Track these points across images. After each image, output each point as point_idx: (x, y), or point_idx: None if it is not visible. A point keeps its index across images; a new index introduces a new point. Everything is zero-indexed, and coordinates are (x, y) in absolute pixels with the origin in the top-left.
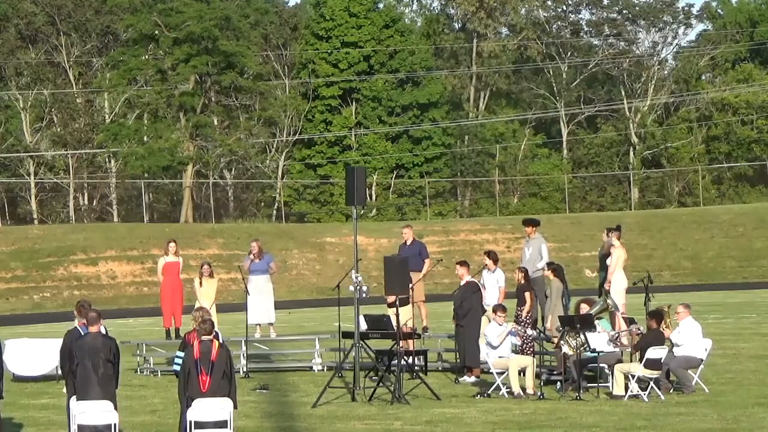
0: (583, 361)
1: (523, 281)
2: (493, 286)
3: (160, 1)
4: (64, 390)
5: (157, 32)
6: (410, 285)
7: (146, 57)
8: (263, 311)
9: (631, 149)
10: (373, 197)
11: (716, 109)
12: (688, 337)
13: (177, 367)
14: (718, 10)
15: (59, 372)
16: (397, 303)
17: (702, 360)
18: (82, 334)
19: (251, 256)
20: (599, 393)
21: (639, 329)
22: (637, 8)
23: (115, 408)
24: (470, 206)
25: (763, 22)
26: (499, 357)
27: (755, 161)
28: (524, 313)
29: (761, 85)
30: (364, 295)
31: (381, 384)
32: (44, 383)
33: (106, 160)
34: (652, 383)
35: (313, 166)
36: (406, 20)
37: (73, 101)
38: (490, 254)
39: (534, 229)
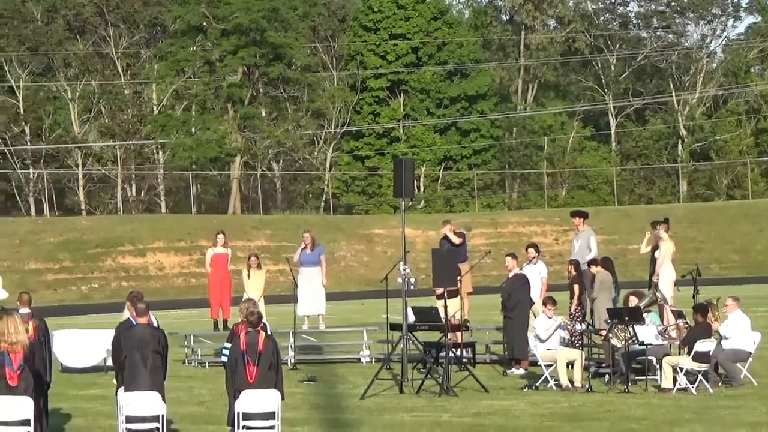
0: (631, 353)
1: (574, 273)
2: (535, 278)
3: None
4: (114, 381)
5: (205, 24)
6: (458, 277)
7: (194, 48)
8: (313, 303)
9: (680, 142)
10: (422, 189)
11: (765, 101)
12: (737, 330)
13: (224, 359)
14: (767, 3)
15: (107, 363)
16: (445, 295)
17: (750, 353)
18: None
19: (306, 248)
20: (647, 386)
21: (686, 323)
22: (685, 0)
23: (163, 399)
24: (518, 198)
25: None
26: (548, 350)
27: None
28: (573, 306)
29: None
30: (411, 287)
31: (429, 376)
32: (92, 374)
33: (154, 151)
34: (700, 376)
35: (361, 157)
36: (454, 12)
37: (121, 92)
38: (534, 246)
39: (582, 220)
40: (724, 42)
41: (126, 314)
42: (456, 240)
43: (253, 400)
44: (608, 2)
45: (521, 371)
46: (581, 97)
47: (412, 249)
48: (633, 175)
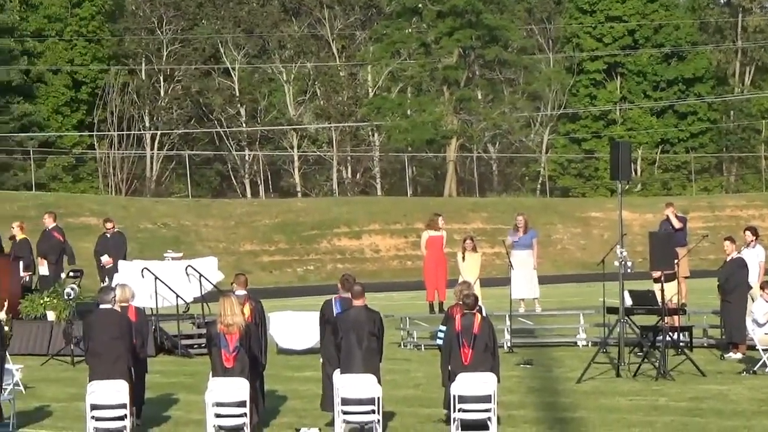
0: None
1: None
2: (754, 261)
3: None
4: (321, 360)
5: (420, 5)
6: (675, 261)
7: (409, 30)
8: (527, 286)
9: None
10: (638, 172)
11: None
12: None
13: (440, 341)
14: None
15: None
16: (662, 278)
17: None
18: (336, 306)
19: (518, 231)
20: None
21: None
22: None
23: (379, 382)
24: (736, 182)
25: None
26: (765, 334)
27: None
28: None
29: None
30: (628, 270)
31: (646, 360)
32: (308, 356)
33: (370, 133)
34: None
35: (577, 140)
36: None
37: (337, 74)
38: (751, 230)
39: None
40: None
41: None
42: (677, 224)
43: (469, 382)
44: None
45: (739, 356)
46: None
47: (629, 232)
48: None
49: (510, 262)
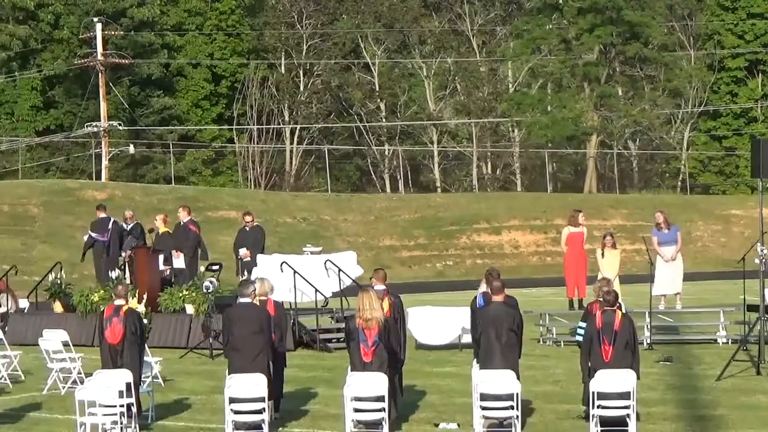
0: None
1: None
2: None
3: None
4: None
5: (561, 2)
6: None
7: (550, 26)
8: (671, 282)
9: None
10: None
11: None
12: None
13: (579, 338)
14: None
15: (461, 340)
16: None
17: None
18: (480, 301)
19: (661, 228)
20: None
21: None
22: None
23: (518, 377)
24: None
25: None
26: None
27: None
28: None
29: None
30: None
31: None
32: (447, 351)
33: (510, 129)
34: None
35: (718, 137)
36: None
37: (476, 70)
38: None
39: None
40: None
41: (483, 287)
42: None
43: (609, 379)
44: None
45: None
46: None
47: None
48: None
49: (650, 259)
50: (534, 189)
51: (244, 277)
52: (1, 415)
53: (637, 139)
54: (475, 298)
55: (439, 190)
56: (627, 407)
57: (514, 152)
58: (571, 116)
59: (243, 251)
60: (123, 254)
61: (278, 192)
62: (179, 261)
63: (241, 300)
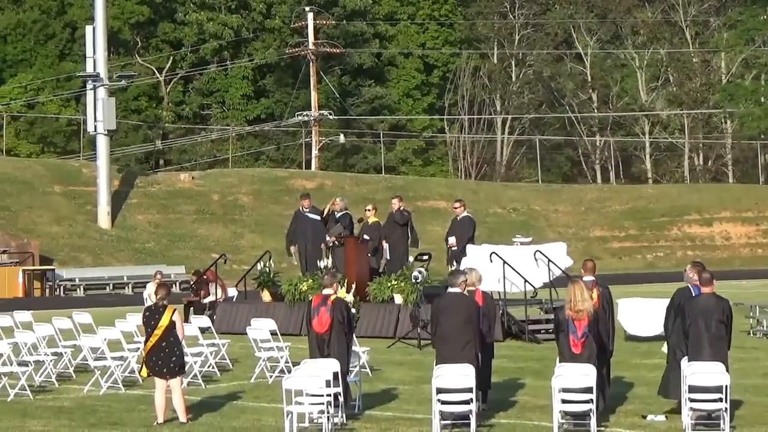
0: None
1: None
2: None
3: None
4: (664, 348)
5: None
6: None
7: (765, 17)
8: None
9: None
10: None
11: None
12: None
13: None
14: None
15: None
16: None
17: None
18: (693, 294)
19: None
20: None
21: None
22: None
23: (727, 370)
24: None
25: None
26: None
27: None
28: None
29: None
30: None
31: None
32: (656, 343)
33: (722, 120)
34: None
35: None
36: None
37: (689, 61)
38: None
39: None
40: None
41: (690, 279)
42: None
43: None
44: None
45: None
46: None
47: None
48: None
49: None
50: (746, 180)
51: (454, 267)
52: (208, 402)
53: None
54: (680, 290)
55: (650, 181)
56: None
57: (726, 143)
58: None
59: (452, 240)
60: (328, 239)
61: (489, 182)
62: (386, 251)
63: (451, 290)
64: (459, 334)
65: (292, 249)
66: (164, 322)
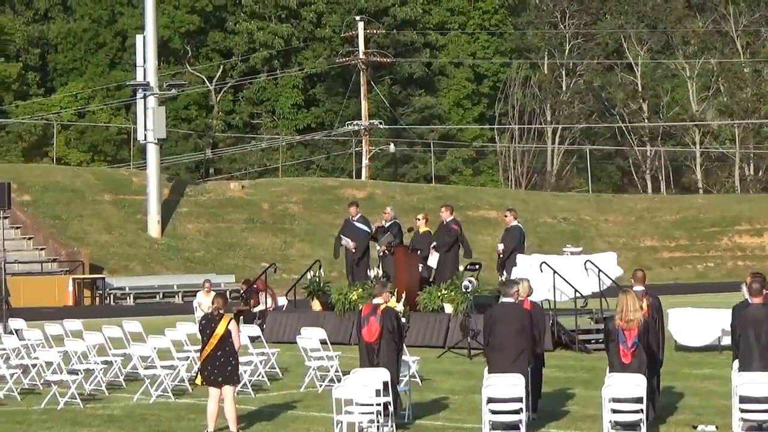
0: None
1: None
2: None
3: None
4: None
5: None
6: None
7: None
8: None
9: None
10: None
11: None
12: None
13: None
14: None
15: (721, 342)
16: None
17: None
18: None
19: None
20: None
21: None
22: None
23: None
24: None
25: None
26: None
27: None
28: None
29: None
30: None
31: None
32: (707, 353)
33: None
34: None
35: None
36: None
37: (740, 71)
38: None
39: None
40: None
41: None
42: None
43: None
44: None
45: None
46: None
47: None
48: None
49: None
50: None
51: (504, 277)
52: (258, 411)
53: None
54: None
55: (701, 191)
56: None
57: None
58: None
59: (500, 246)
60: (378, 248)
61: (539, 192)
62: (433, 260)
63: (504, 300)
64: (512, 343)
65: (343, 241)
66: (220, 330)
